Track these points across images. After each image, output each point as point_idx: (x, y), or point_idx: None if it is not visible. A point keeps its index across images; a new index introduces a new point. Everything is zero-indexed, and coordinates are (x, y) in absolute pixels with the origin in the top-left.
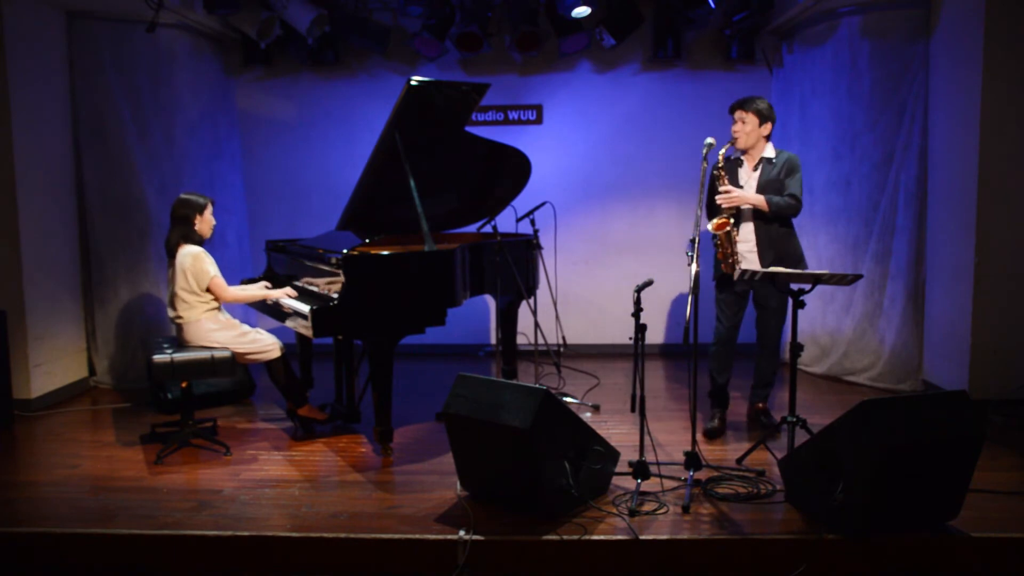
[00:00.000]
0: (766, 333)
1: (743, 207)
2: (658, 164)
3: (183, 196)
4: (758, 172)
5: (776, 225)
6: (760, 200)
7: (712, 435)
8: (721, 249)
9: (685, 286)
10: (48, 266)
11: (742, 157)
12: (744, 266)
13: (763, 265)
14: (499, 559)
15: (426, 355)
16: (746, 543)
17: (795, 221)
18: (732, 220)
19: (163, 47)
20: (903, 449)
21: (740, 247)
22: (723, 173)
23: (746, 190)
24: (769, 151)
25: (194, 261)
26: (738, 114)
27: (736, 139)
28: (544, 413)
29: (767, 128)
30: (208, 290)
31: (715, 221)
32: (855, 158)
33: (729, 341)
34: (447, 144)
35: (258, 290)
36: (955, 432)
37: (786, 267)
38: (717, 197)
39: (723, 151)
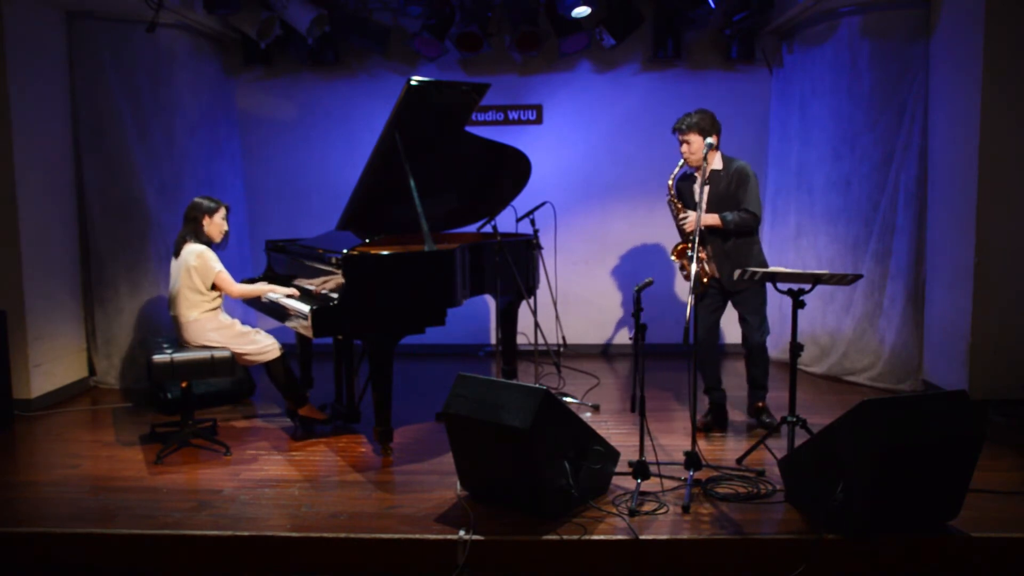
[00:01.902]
0: (750, 339)
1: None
2: (658, 164)
3: (195, 199)
4: (708, 186)
5: (732, 239)
6: (714, 219)
7: (704, 428)
8: (686, 272)
9: (685, 286)
10: (48, 266)
11: (694, 173)
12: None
13: (722, 276)
14: (499, 559)
15: (426, 355)
16: (746, 543)
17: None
18: (691, 244)
19: (163, 47)
20: (903, 449)
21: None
22: (675, 200)
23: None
24: (717, 163)
25: (199, 258)
26: (679, 137)
27: (687, 161)
28: (544, 413)
29: (713, 139)
30: (214, 287)
31: (676, 248)
32: (855, 158)
33: (706, 342)
34: (447, 144)
35: (263, 286)
36: (955, 432)
37: (732, 267)
38: (679, 223)
39: (675, 172)
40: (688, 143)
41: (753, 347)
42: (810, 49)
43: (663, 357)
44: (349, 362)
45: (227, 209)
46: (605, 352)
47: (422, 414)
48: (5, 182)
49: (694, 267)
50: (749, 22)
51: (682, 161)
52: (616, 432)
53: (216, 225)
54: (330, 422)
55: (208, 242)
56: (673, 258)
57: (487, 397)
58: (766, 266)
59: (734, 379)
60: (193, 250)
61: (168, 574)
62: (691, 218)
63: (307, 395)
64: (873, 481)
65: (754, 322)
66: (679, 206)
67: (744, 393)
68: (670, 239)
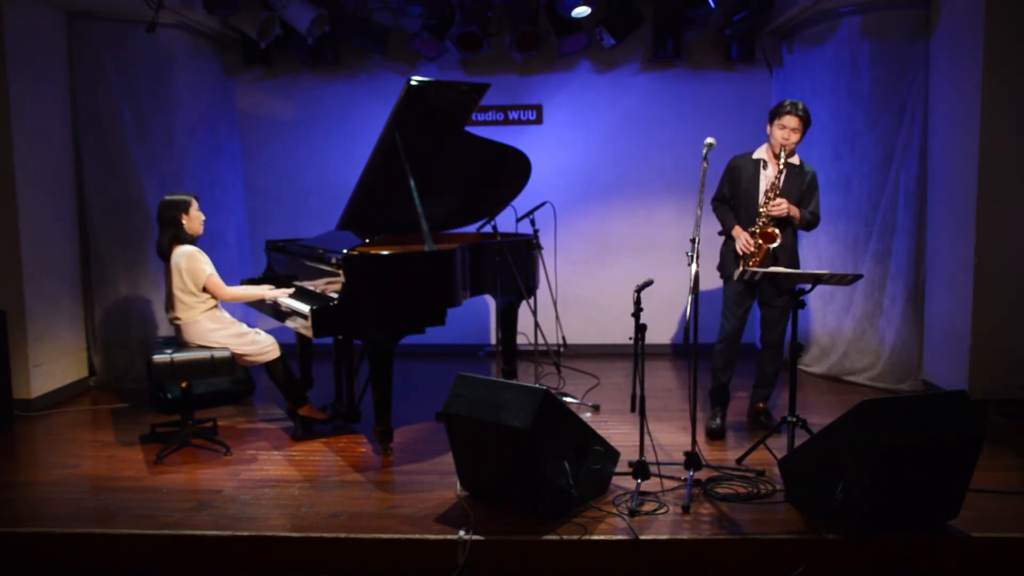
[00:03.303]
0: (771, 332)
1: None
2: (658, 164)
3: (165, 198)
4: (782, 176)
5: (790, 231)
6: (796, 211)
7: (714, 435)
8: (753, 256)
9: (685, 286)
10: (48, 266)
11: (766, 158)
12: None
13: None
14: (499, 559)
15: (426, 355)
16: (746, 543)
17: None
18: (772, 228)
19: (163, 47)
20: (903, 449)
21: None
22: (777, 184)
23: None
24: (795, 159)
25: (189, 260)
26: (793, 122)
27: (786, 146)
28: (544, 413)
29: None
30: (205, 289)
31: (771, 231)
32: (855, 158)
33: (735, 340)
34: (447, 144)
35: (256, 290)
36: (955, 432)
37: (787, 264)
38: (768, 206)
39: (782, 162)
40: (796, 132)
41: (774, 341)
42: (810, 49)
43: (663, 357)
44: (349, 362)
45: (196, 199)
46: (605, 352)
47: (422, 414)
48: (5, 182)
49: (694, 267)
50: (749, 22)
51: (776, 146)
52: (616, 432)
53: (195, 218)
54: (330, 422)
55: (192, 239)
56: (760, 242)
57: (487, 397)
58: (798, 255)
59: (736, 378)
60: (183, 252)
61: (168, 574)
62: (784, 205)
63: (307, 395)
64: (873, 481)
65: (782, 312)
66: (777, 184)
67: (745, 393)
68: (670, 239)
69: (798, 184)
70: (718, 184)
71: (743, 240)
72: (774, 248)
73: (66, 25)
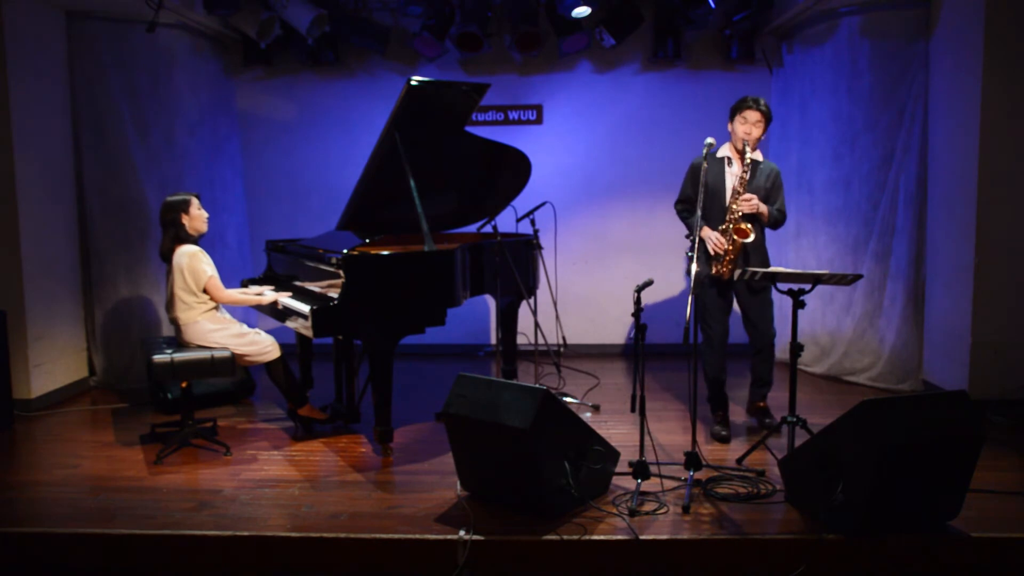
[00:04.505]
0: (755, 335)
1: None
2: (658, 164)
3: (165, 200)
4: (748, 171)
5: (756, 236)
6: (764, 209)
7: (723, 441)
8: (727, 255)
9: (685, 286)
10: (48, 266)
11: (730, 155)
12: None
13: (738, 271)
14: (499, 559)
15: (426, 355)
16: (746, 543)
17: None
18: (745, 225)
19: (163, 47)
20: (903, 449)
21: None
22: (744, 178)
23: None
24: (758, 155)
25: (191, 260)
26: (754, 116)
27: (748, 141)
28: (544, 413)
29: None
30: (205, 290)
31: (744, 228)
32: (855, 158)
33: (722, 344)
34: (447, 144)
35: (254, 296)
36: (955, 432)
37: (759, 262)
38: (739, 201)
39: (748, 156)
40: (758, 126)
41: (761, 344)
42: (810, 49)
43: (663, 357)
44: (349, 362)
45: (197, 197)
46: (605, 352)
47: (422, 414)
48: (5, 182)
49: (694, 267)
50: (749, 22)
51: (738, 142)
52: (616, 432)
53: (197, 217)
54: (330, 422)
55: (195, 239)
56: (735, 237)
57: (487, 397)
58: (768, 261)
59: (734, 378)
60: (185, 251)
61: (168, 574)
62: (755, 199)
63: (307, 395)
64: (873, 481)
65: (768, 318)
66: (744, 178)
67: (743, 393)
68: (670, 239)
69: (763, 181)
70: (680, 187)
71: (714, 240)
72: (747, 244)
73: (66, 25)
